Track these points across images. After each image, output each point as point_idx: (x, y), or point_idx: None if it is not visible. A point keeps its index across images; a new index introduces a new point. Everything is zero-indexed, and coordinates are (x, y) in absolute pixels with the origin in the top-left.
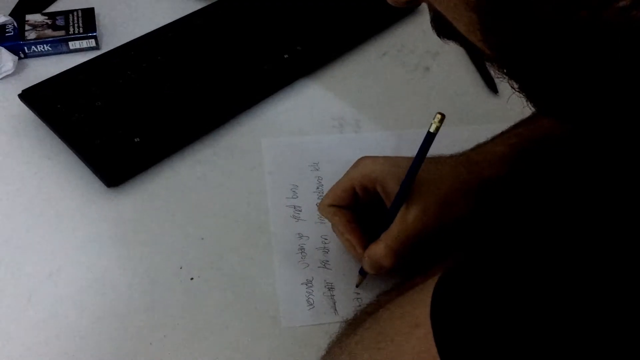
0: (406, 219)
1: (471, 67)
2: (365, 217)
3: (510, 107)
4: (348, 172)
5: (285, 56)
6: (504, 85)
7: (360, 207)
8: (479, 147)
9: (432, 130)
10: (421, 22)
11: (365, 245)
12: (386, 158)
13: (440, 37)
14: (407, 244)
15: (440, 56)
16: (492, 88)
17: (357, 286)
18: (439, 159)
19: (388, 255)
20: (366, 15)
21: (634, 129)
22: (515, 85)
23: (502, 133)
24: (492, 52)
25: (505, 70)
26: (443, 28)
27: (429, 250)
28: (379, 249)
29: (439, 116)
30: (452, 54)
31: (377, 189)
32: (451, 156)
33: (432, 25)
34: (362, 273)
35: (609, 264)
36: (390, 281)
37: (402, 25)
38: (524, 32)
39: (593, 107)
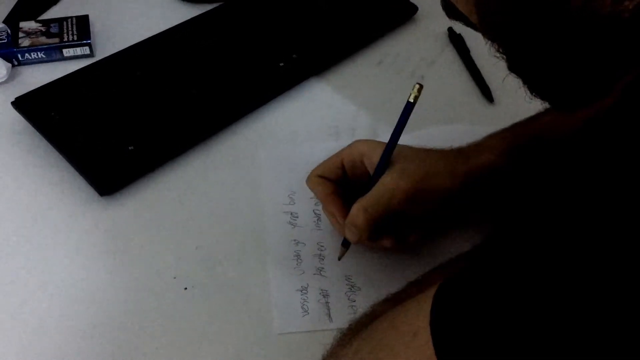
0: (383, 181)
1: (467, 76)
2: (354, 195)
3: (505, 116)
4: (340, 149)
5: (281, 64)
6: (499, 93)
7: (350, 187)
8: (473, 142)
9: (411, 99)
10: (417, 30)
11: (346, 216)
12: (377, 141)
13: (449, 17)
14: (382, 205)
15: (436, 64)
16: (488, 96)
17: (339, 259)
18: (431, 148)
19: (359, 213)
20: (362, 24)
21: (622, 118)
22: (511, 66)
23: (498, 131)
24: (490, 33)
25: (501, 50)
26: (450, 9)
27: (410, 224)
28: (353, 208)
29: (417, 86)
30: (448, 62)
31: (365, 163)
32: (444, 148)
33: (442, 6)
34: (345, 244)
35: (608, 275)
36: (384, 291)
37: (398, 34)
38: (518, 17)
39: (583, 89)
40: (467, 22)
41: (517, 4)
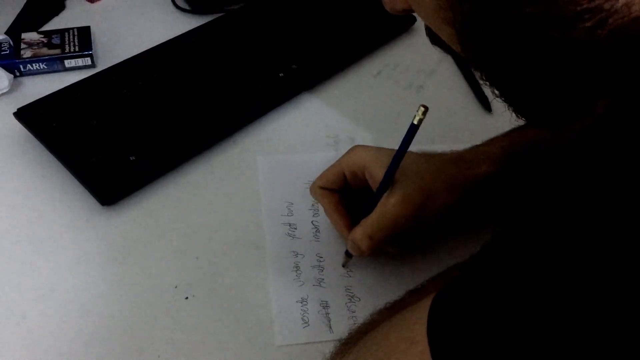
0: (385, 206)
1: (465, 86)
2: (356, 202)
3: (503, 125)
4: (340, 158)
5: (281, 75)
6: (497, 103)
7: (351, 192)
8: (472, 148)
9: (415, 122)
10: (415, 41)
11: (350, 227)
12: (377, 148)
13: (433, 45)
14: (385, 230)
15: (434, 75)
16: (486, 106)
17: (343, 266)
18: (431, 155)
19: (364, 239)
20: (361, 34)
21: (607, 134)
22: (496, 92)
23: (497, 136)
24: (472, 62)
25: (484, 78)
26: (434, 37)
27: (412, 238)
28: (357, 234)
29: (422, 109)
30: (446, 72)
31: (366, 176)
32: (444, 153)
33: (426, 33)
34: (348, 254)
35: (602, 287)
36: (384, 301)
37: (397, 44)
38: (498, 47)
39: (566, 109)
40: (451, 51)
41: (497, 36)
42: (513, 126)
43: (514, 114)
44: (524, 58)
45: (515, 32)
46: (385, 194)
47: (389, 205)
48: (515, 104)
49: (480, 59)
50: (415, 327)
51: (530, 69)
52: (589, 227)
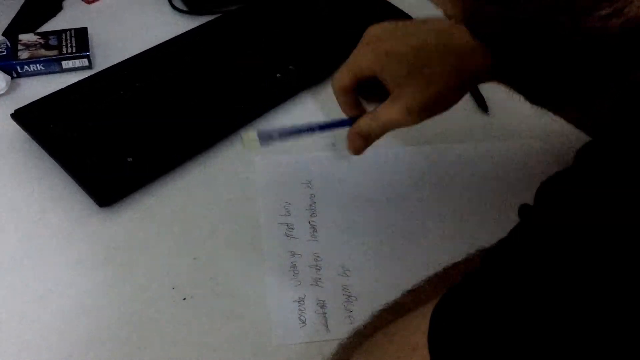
0: (390, 112)
1: None
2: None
3: (499, 126)
4: (351, 58)
5: (278, 75)
6: (493, 104)
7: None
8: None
9: None
10: None
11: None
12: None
13: None
14: (385, 128)
15: None
16: (483, 107)
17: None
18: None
19: (373, 124)
20: (358, 34)
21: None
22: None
23: None
24: (479, 36)
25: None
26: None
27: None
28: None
29: None
30: None
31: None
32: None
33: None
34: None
35: (607, 295)
36: (381, 300)
37: None
38: (509, 38)
39: (573, 98)
40: None
41: (508, 29)
42: (509, 126)
43: (510, 115)
44: (531, 45)
45: (525, 18)
46: (389, 101)
47: (392, 114)
48: (521, 89)
49: (488, 44)
50: (416, 334)
51: (540, 56)
52: (592, 238)
